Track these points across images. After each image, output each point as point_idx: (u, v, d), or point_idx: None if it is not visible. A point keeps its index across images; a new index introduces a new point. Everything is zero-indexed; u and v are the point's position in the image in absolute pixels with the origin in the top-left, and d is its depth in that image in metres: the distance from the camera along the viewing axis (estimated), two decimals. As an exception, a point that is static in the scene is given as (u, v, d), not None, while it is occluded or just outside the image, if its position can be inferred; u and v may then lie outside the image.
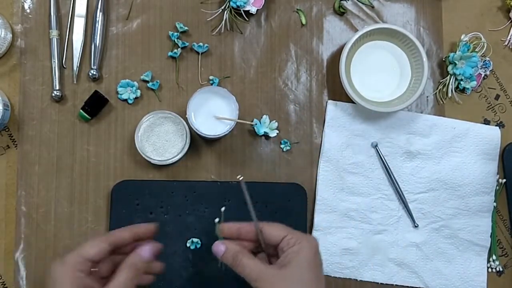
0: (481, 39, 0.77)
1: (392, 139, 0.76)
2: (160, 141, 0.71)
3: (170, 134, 0.71)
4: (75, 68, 0.74)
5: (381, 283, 0.75)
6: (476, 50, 0.77)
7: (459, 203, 0.77)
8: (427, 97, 0.78)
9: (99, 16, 0.74)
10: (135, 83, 0.74)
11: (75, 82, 0.74)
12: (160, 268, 0.61)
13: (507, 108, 0.79)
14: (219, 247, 0.55)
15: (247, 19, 0.76)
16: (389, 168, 0.76)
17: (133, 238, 0.56)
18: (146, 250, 0.54)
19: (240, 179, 0.56)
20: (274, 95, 0.76)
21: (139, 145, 0.70)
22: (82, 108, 0.73)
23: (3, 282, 0.72)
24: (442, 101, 0.78)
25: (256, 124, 0.74)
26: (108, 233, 0.56)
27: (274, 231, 0.55)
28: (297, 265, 0.51)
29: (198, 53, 0.76)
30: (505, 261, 0.78)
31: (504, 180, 0.77)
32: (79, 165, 0.73)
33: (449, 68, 0.76)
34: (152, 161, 0.70)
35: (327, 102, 0.77)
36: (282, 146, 0.75)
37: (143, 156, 0.70)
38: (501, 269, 0.77)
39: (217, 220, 0.57)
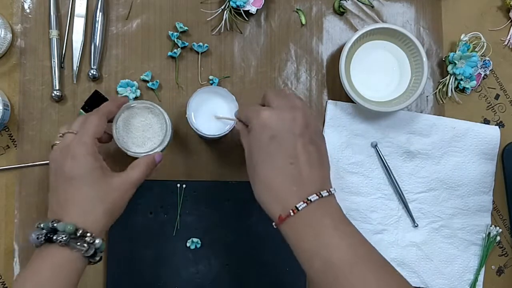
0: (481, 38, 0.77)
1: (392, 138, 0.76)
2: (138, 132, 0.66)
3: (149, 125, 0.66)
4: (75, 68, 0.74)
5: (381, 283, 0.75)
6: (476, 49, 0.77)
7: (459, 202, 0.77)
8: (427, 97, 0.78)
9: (99, 16, 0.74)
10: (135, 83, 0.74)
11: (75, 82, 0.74)
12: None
13: (507, 108, 0.79)
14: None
15: (247, 19, 0.76)
16: (389, 167, 0.76)
17: (117, 108, 0.65)
18: (159, 156, 0.65)
19: None
20: (274, 95, 0.76)
21: (117, 137, 0.65)
22: (82, 108, 0.73)
23: (3, 282, 0.72)
24: (442, 101, 0.78)
25: (256, 124, 0.74)
26: (99, 109, 0.63)
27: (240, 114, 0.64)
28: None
29: (198, 53, 0.76)
30: (505, 261, 0.78)
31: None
32: (79, 165, 0.73)
33: (449, 68, 0.76)
34: (129, 153, 0.65)
35: (327, 102, 0.77)
36: (282, 146, 0.75)
37: (123, 149, 0.65)
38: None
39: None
